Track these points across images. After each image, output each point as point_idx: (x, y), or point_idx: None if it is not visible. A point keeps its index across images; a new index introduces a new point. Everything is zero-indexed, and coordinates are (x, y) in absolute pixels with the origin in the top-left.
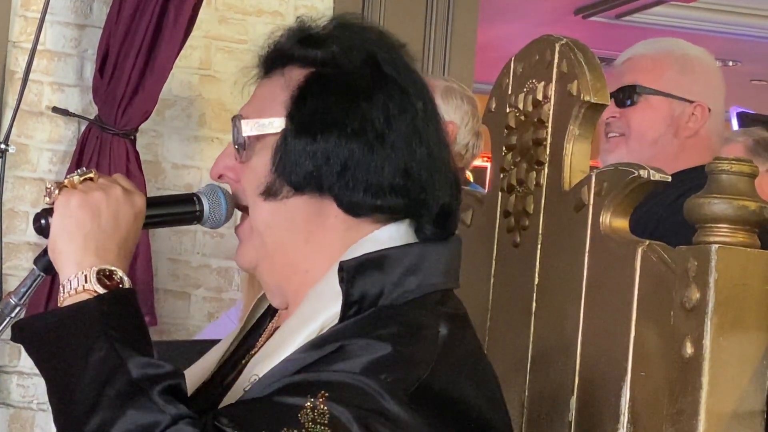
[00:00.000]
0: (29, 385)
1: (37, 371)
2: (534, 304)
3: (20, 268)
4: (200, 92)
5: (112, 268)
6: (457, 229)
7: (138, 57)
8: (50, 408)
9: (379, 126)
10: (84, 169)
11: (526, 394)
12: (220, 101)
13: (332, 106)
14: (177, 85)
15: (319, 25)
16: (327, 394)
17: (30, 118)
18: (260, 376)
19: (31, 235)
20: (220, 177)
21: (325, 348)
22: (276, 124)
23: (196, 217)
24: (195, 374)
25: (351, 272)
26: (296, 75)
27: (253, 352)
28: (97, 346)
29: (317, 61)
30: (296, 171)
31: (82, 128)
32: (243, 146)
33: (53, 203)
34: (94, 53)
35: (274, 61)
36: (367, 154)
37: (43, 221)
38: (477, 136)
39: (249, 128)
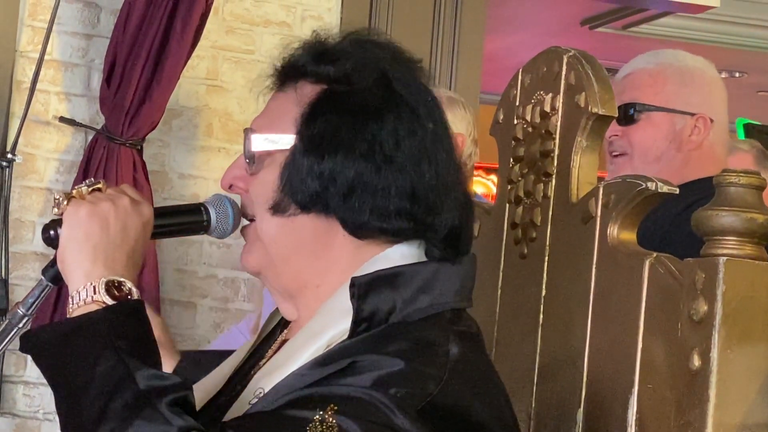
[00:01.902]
0: (35, 395)
1: (42, 381)
2: (541, 316)
3: (27, 277)
4: (207, 102)
5: (121, 279)
6: (471, 247)
7: (145, 67)
8: (57, 418)
9: (387, 148)
10: (92, 179)
11: (533, 406)
12: (227, 111)
13: (342, 126)
14: (184, 95)
15: (334, 40)
16: (336, 408)
17: (37, 128)
18: (266, 390)
19: (38, 244)
20: (230, 187)
21: (335, 364)
22: (285, 140)
23: (203, 227)
24: (208, 385)
25: (363, 288)
26: (308, 91)
27: (261, 363)
28: (104, 356)
29: (330, 78)
30: (303, 190)
31: (89, 138)
32: (253, 159)
33: (62, 214)
34: (102, 63)
35: (287, 74)
36: (374, 177)
37: (51, 232)
38: (475, 144)
39: (259, 143)
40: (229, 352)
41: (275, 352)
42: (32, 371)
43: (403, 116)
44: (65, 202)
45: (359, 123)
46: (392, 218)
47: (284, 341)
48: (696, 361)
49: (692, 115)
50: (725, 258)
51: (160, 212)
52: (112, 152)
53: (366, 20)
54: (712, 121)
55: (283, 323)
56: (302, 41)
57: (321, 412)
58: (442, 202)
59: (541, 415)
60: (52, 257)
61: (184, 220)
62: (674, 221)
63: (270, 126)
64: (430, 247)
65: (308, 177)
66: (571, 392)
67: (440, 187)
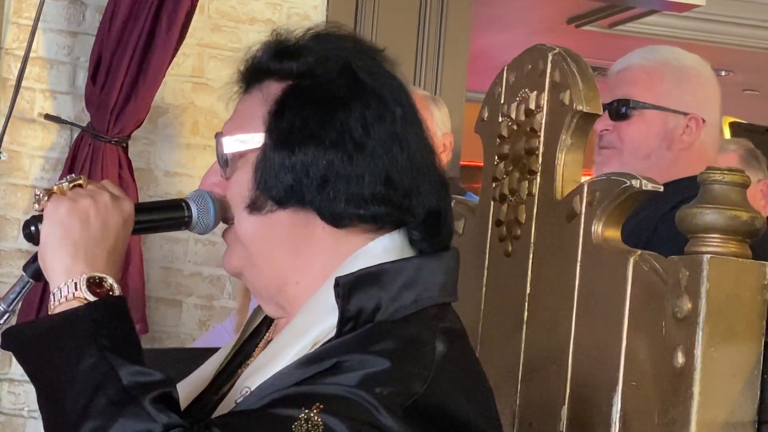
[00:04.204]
0: (20, 392)
1: (27, 379)
2: (526, 314)
3: (11, 275)
4: (193, 100)
5: (102, 276)
6: (452, 238)
7: (131, 64)
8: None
9: (357, 135)
10: (73, 175)
11: (518, 403)
12: (213, 109)
13: (309, 118)
14: (169, 92)
15: (294, 36)
16: (321, 406)
17: (22, 126)
18: (252, 388)
19: (23, 242)
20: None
21: (321, 364)
22: (256, 139)
23: (184, 223)
24: (192, 384)
25: (347, 287)
26: (274, 89)
27: (248, 362)
28: (87, 353)
29: (293, 74)
30: (277, 186)
31: (75, 135)
32: (226, 163)
33: (42, 210)
34: (87, 61)
35: (252, 76)
36: (347, 165)
37: (32, 228)
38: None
39: (230, 145)
40: (213, 350)
41: (262, 351)
42: (17, 369)
43: (370, 103)
44: (46, 199)
45: (327, 113)
46: (369, 204)
47: (270, 340)
48: (680, 359)
49: (685, 114)
50: (709, 255)
51: (141, 208)
52: (98, 150)
53: (352, 18)
54: (704, 121)
55: (269, 321)
56: (262, 42)
57: (306, 411)
58: (418, 184)
59: (526, 413)
60: (34, 253)
61: (165, 215)
62: (662, 219)
63: (240, 127)
64: (411, 232)
65: (281, 171)
66: (556, 390)
67: (414, 169)
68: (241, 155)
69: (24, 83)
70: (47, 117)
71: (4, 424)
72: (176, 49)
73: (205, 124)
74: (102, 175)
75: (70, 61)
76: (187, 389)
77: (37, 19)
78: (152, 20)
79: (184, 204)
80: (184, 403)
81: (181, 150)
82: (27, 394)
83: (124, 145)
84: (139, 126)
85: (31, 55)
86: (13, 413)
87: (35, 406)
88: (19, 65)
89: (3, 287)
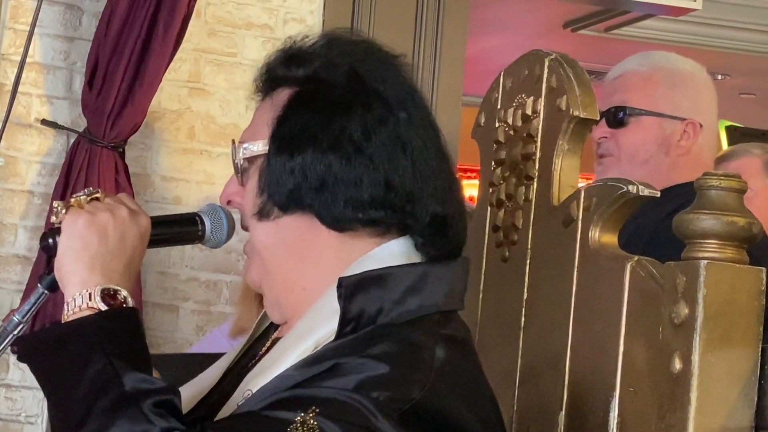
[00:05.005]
0: (17, 398)
1: (24, 384)
2: (523, 319)
3: (9, 281)
4: (189, 105)
5: (117, 288)
6: (464, 243)
7: (127, 70)
8: (38, 421)
9: (356, 139)
10: (91, 189)
11: (515, 409)
12: (209, 114)
13: (309, 122)
14: (166, 97)
15: (306, 43)
16: (318, 410)
17: (19, 131)
18: (254, 391)
19: (20, 247)
20: (229, 203)
21: (320, 366)
22: (261, 146)
23: (198, 237)
24: (197, 385)
25: (350, 289)
26: (282, 96)
27: (253, 363)
28: (94, 360)
29: (300, 80)
30: (279, 191)
31: (71, 141)
32: (239, 170)
33: (60, 222)
34: (84, 66)
35: (266, 83)
36: (345, 168)
37: (50, 240)
38: None
39: (240, 152)
40: (213, 356)
41: (266, 352)
42: (14, 374)
43: (372, 107)
44: (64, 211)
45: (327, 117)
46: (368, 208)
47: (275, 341)
48: (677, 364)
49: (682, 120)
50: (706, 261)
51: (156, 222)
52: (94, 155)
53: (348, 23)
54: (701, 126)
55: (275, 325)
56: (277, 49)
57: (302, 414)
58: (420, 188)
59: (523, 418)
60: (46, 265)
61: (180, 230)
62: (660, 225)
63: (252, 135)
64: (414, 236)
65: (282, 176)
66: (553, 395)
67: (417, 174)
68: (251, 162)
69: (20, 88)
70: (44, 122)
71: (1, 430)
72: (173, 54)
73: (202, 129)
74: (98, 180)
75: (66, 66)
76: (192, 390)
77: (33, 25)
78: (149, 25)
79: (198, 218)
80: (190, 404)
81: (177, 155)
82: (24, 400)
83: (121, 150)
84: (135, 131)
85: (28, 60)
86: (10, 419)
87: (32, 411)
88: (15, 70)
89: (1, 293)
